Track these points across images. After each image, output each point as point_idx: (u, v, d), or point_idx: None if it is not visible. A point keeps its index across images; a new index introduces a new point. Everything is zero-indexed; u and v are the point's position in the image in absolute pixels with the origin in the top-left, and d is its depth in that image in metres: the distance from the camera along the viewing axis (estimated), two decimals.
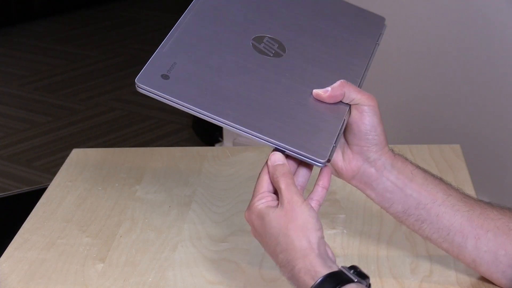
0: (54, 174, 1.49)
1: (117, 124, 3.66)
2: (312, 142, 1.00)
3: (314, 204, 1.00)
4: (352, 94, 1.03)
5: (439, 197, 1.06)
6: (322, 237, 0.96)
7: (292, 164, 1.01)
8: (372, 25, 1.17)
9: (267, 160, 1.01)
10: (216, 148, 1.56)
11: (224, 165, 1.49)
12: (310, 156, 0.99)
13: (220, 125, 0.99)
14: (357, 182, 1.07)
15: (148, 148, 1.57)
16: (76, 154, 1.54)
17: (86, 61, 4.41)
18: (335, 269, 0.93)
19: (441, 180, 1.08)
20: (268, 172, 1.00)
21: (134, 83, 0.99)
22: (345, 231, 1.28)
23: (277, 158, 1.00)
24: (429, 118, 2.54)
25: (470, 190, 1.35)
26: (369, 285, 0.96)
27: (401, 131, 2.53)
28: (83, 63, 4.39)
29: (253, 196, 1.00)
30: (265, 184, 1.00)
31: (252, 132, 0.99)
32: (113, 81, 4.09)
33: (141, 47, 4.53)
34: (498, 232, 1.05)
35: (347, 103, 1.04)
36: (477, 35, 2.38)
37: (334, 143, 1.00)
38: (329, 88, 1.03)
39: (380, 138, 1.05)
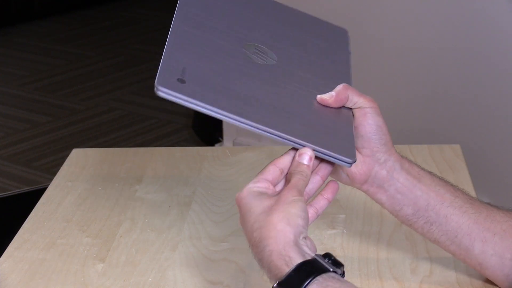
0: (54, 174, 1.49)
1: (117, 124, 3.66)
2: (338, 143, 1.00)
3: (311, 210, 1.00)
4: (355, 97, 1.04)
5: (447, 198, 1.06)
6: (304, 228, 0.93)
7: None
8: (338, 37, 1.19)
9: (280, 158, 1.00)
10: (216, 148, 1.56)
11: (224, 165, 1.49)
12: (339, 156, 0.99)
13: (245, 128, 0.97)
14: (368, 186, 1.06)
15: (148, 148, 1.57)
16: (76, 154, 1.54)
17: (86, 61, 4.42)
18: (308, 257, 0.91)
19: (447, 181, 1.08)
20: (276, 163, 0.99)
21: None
22: (345, 231, 1.28)
23: (305, 157, 0.98)
24: (429, 118, 2.54)
25: (470, 190, 1.35)
26: (343, 273, 0.94)
27: (401, 131, 2.53)
28: (83, 63, 4.39)
29: (251, 180, 0.99)
30: (266, 172, 0.98)
31: (282, 134, 0.98)
32: (113, 81, 4.09)
33: (141, 47, 4.53)
34: (504, 235, 1.05)
35: (349, 107, 1.04)
36: (477, 35, 2.38)
37: (354, 143, 1.01)
38: (333, 93, 1.03)
39: (387, 138, 1.05)
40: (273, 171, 0.99)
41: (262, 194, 0.96)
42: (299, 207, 0.94)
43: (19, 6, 4.95)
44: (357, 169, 1.05)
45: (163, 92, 0.95)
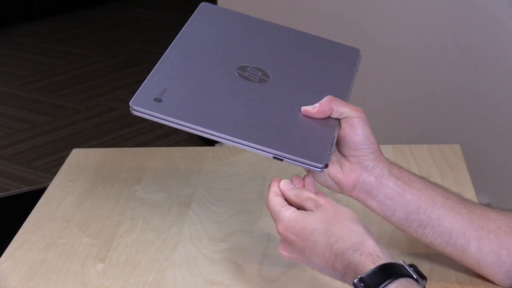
0: (54, 174, 1.49)
1: (117, 124, 3.66)
2: (309, 149, 1.02)
3: None
4: (340, 108, 1.06)
5: (438, 201, 1.07)
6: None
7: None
8: (348, 56, 1.21)
9: (270, 185, 1.03)
10: (216, 148, 1.56)
11: (224, 165, 1.49)
12: (308, 161, 1.01)
13: (217, 139, 1.01)
14: (358, 193, 1.08)
15: (148, 148, 1.57)
16: (76, 154, 1.54)
17: (86, 61, 4.41)
18: (396, 261, 0.93)
19: (438, 184, 1.10)
20: (271, 197, 1.02)
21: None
22: None
23: (285, 185, 1.02)
24: (429, 118, 2.54)
25: (470, 190, 1.35)
26: (424, 287, 0.95)
27: (401, 131, 2.53)
28: (83, 63, 4.39)
29: (276, 213, 1.00)
30: (278, 203, 1.01)
31: (250, 143, 1.01)
32: (113, 81, 4.09)
33: (141, 47, 4.53)
34: (500, 233, 1.06)
35: (336, 118, 1.06)
36: (477, 35, 2.38)
37: (330, 150, 1.03)
38: (317, 104, 1.06)
39: (375, 147, 1.07)
40: (279, 199, 1.02)
41: (303, 213, 0.99)
42: (351, 210, 0.99)
43: (19, 6, 4.95)
44: (345, 176, 1.07)
45: (135, 110, 1.03)
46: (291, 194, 1.01)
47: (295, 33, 1.22)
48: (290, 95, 1.09)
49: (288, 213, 0.99)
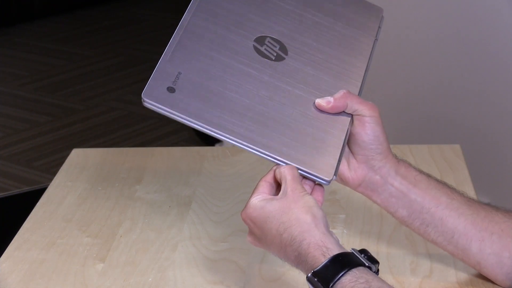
0: (54, 174, 1.49)
1: (117, 124, 3.66)
2: (318, 159, 1.01)
3: None
4: (355, 105, 1.04)
5: (442, 201, 1.06)
6: (326, 218, 0.96)
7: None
8: (371, 17, 1.16)
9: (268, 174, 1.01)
10: (216, 148, 1.56)
11: (224, 165, 1.49)
12: (316, 174, 1.00)
13: (227, 141, 1.00)
14: (363, 189, 1.08)
15: (148, 148, 1.57)
16: (76, 154, 1.54)
17: (86, 61, 4.41)
18: (345, 250, 0.93)
19: (444, 184, 1.09)
20: (265, 179, 1.01)
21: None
22: (345, 231, 1.28)
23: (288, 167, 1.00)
24: (429, 118, 2.54)
25: (470, 190, 1.35)
26: (377, 270, 0.95)
27: (401, 131, 2.53)
28: (83, 63, 4.39)
29: (249, 197, 1.00)
30: (260, 188, 1.01)
31: (260, 149, 1.00)
32: (113, 81, 4.09)
33: (141, 47, 4.53)
34: (503, 235, 1.06)
35: (349, 113, 1.04)
36: (477, 35, 2.38)
37: (339, 159, 1.02)
38: (331, 99, 1.04)
39: (384, 147, 1.06)
40: (265, 185, 1.01)
41: (267, 200, 0.97)
42: (313, 200, 0.97)
43: (19, 6, 4.95)
44: (351, 174, 1.07)
45: (147, 103, 0.99)
46: (278, 172, 1.00)
47: None
48: (305, 78, 1.06)
49: (253, 199, 0.99)
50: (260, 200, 0.98)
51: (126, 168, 1.49)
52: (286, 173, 0.98)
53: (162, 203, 1.37)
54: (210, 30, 1.06)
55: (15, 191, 2.91)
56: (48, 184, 1.44)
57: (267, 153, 0.99)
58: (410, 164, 1.08)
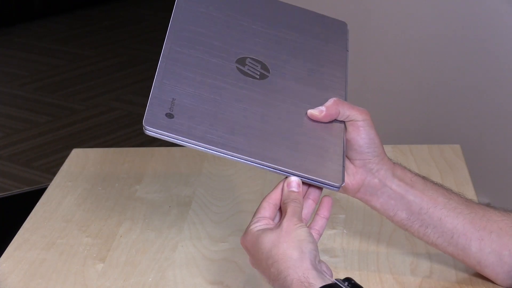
0: (54, 174, 1.49)
1: (117, 124, 3.66)
2: (324, 167, 1.02)
3: (313, 233, 1.01)
4: (347, 111, 1.05)
5: (440, 201, 1.07)
6: (316, 251, 0.96)
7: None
8: (337, 32, 1.19)
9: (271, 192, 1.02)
10: None
11: (224, 165, 1.49)
12: (326, 181, 1.01)
13: (233, 160, 1.00)
14: (361, 195, 1.08)
15: (148, 148, 1.57)
16: (76, 154, 1.54)
17: (86, 61, 4.41)
18: (328, 281, 0.93)
19: (441, 185, 1.10)
20: (269, 200, 1.01)
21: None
22: (345, 231, 1.28)
23: (294, 184, 1.01)
24: (429, 118, 2.54)
25: (470, 190, 1.35)
26: None
27: (401, 131, 2.53)
28: (83, 63, 4.39)
29: (250, 221, 1.01)
30: (262, 210, 1.01)
31: (269, 164, 1.00)
32: (113, 81, 4.09)
33: (141, 47, 4.53)
34: (501, 233, 1.06)
35: (341, 121, 1.05)
36: (478, 35, 2.38)
37: (343, 164, 1.02)
38: (323, 108, 1.05)
39: (379, 149, 1.07)
40: (268, 207, 1.02)
41: (263, 230, 0.98)
42: (305, 233, 0.96)
43: (19, 6, 4.95)
44: (350, 180, 1.07)
45: (149, 131, 1.01)
46: (284, 198, 1.01)
47: (281, 6, 1.18)
48: (292, 92, 1.08)
49: (252, 226, 1.00)
50: (257, 229, 0.99)
51: (126, 168, 1.49)
52: (288, 206, 0.99)
53: (162, 203, 1.37)
54: (192, 56, 1.08)
55: (15, 191, 2.91)
56: (48, 184, 1.44)
57: (276, 166, 1.00)
58: (405, 167, 1.10)
